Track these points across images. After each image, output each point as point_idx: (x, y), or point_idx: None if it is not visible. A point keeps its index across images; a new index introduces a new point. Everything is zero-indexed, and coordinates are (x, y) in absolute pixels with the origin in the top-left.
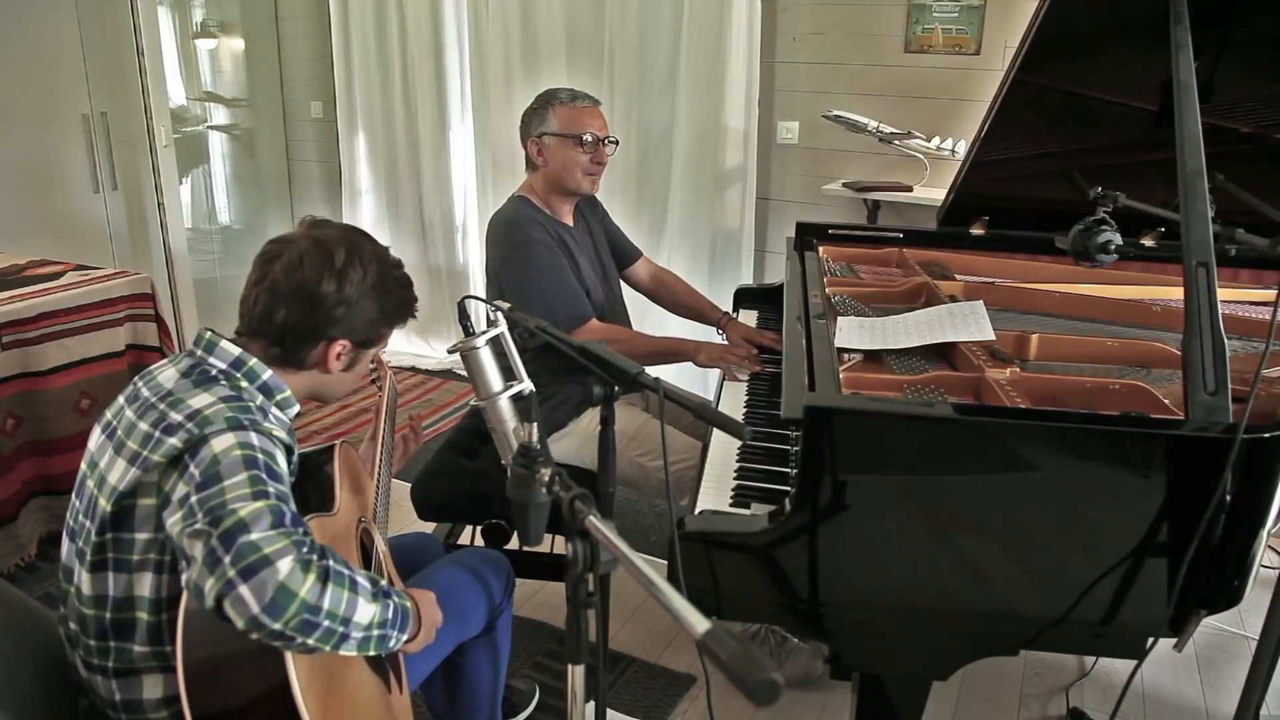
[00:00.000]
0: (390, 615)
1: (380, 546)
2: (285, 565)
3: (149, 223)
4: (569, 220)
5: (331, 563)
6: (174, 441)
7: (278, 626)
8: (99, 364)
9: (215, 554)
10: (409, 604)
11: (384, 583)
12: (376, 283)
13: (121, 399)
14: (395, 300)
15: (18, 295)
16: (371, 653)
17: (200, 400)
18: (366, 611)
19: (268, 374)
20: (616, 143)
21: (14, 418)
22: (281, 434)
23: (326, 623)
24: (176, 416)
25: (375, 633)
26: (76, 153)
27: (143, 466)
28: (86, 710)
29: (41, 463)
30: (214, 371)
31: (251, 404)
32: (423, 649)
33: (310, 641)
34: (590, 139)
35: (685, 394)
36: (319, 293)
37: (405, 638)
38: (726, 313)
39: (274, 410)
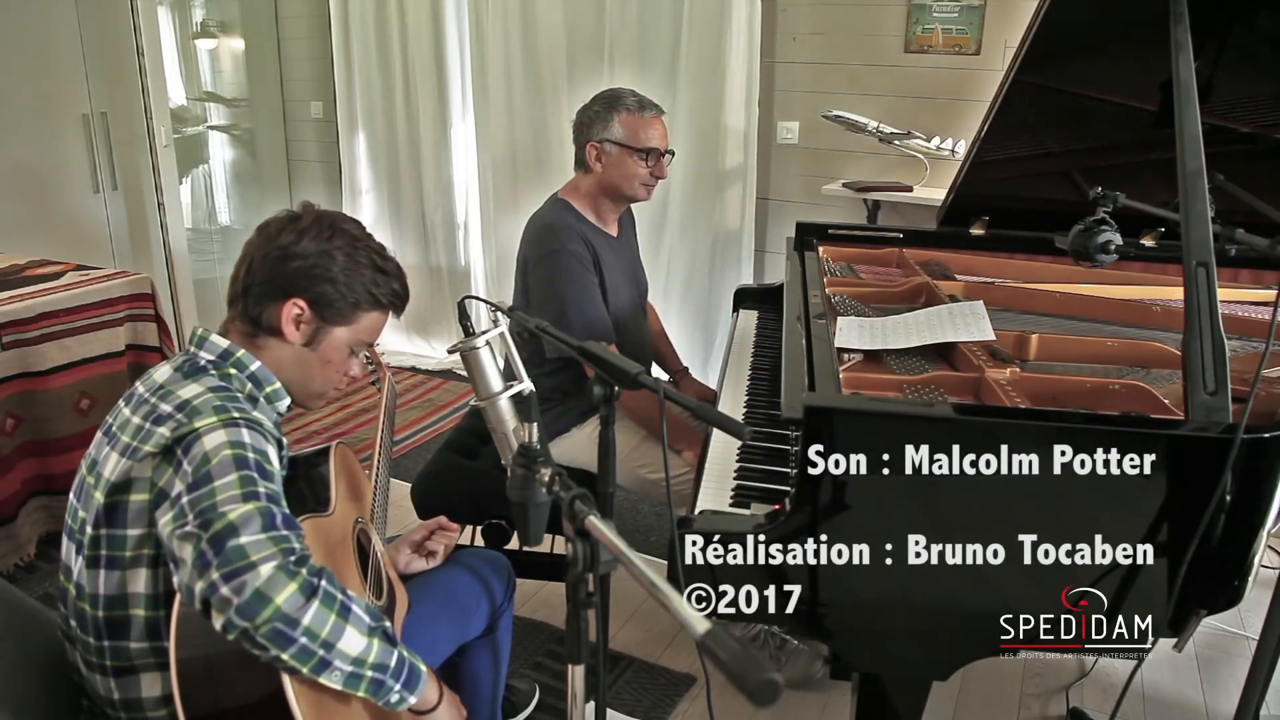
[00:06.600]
0: (390, 662)
1: (378, 546)
2: (267, 570)
3: (149, 223)
4: (613, 230)
5: (323, 583)
6: (163, 431)
7: (246, 625)
8: (99, 364)
9: (205, 557)
10: (424, 669)
11: (391, 630)
12: (345, 248)
13: (120, 401)
14: (365, 275)
15: (18, 295)
16: (362, 694)
17: (188, 390)
18: (355, 643)
19: (256, 364)
20: (673, 154)
21: (14, 418)
22: (269, 425)
23: (304, 640)
24: (166, 408)
25: (368, 673)
26: (76, 153)
27: (133, 457)
28: (88, 711)
29: (41, 462)
30: (203, 362)
31: (239, 393)
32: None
33: (286, 657)
34: (653, 152)
35: (685, 394)
36: (277, 244)
37: (413, 699)
38: (685, 368)
39: (263, 404)
